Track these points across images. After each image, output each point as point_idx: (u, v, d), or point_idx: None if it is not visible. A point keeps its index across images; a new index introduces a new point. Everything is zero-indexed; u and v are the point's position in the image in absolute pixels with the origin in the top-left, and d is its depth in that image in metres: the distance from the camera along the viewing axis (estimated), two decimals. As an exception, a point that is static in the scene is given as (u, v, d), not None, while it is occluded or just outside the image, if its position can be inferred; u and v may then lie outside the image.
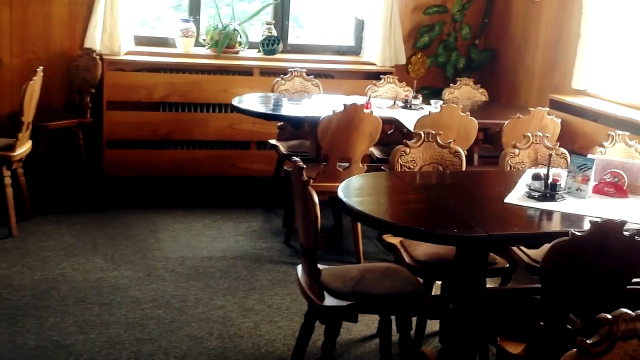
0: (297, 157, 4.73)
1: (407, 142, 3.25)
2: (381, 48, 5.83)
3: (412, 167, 3.25)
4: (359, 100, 4.73)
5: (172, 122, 5.44)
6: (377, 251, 4.39)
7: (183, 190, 5.36)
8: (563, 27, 5.21)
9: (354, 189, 2.82)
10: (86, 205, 4.88)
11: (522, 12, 5.72)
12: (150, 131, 5.40)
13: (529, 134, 3.37)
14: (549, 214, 2.64)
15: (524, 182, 2.95)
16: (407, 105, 4.60)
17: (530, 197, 2.77)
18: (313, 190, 2.50)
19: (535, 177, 2.79)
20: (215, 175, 5.59)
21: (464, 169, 3.29)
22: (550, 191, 2.75)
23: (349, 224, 4.33)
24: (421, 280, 2.88)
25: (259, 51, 5.84)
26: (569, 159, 3.37)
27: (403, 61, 5.88)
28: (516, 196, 2.79)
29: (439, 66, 5.95)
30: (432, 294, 3.14)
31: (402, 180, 3.03)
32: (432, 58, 5.95)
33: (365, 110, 3.96)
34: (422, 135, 3.26)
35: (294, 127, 4.52)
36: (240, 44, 5.77)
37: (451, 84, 5.33)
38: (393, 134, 5.00)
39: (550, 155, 2.82)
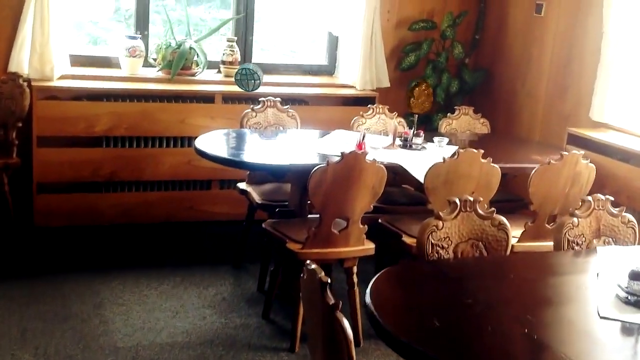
0: (274, 206, 3.98)
1: (440, 213, 2.47)
2: (361, 69, 5.06)
3: (447, 245, 2.48)
4: (347, 136, 3.96)
5: (117, 160, 4.52)
6: (377, 324, 3.61)
7: (132, 242, 4.46)
8: (575, 47, 4.53)
9: (390, 299, 2.02)
10: (13, 268, 3.94)
11: (520, 28, 5.04)
12: (90, 171, 4.47)
13: (589, 198, 2.64)
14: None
15: (606, 275, 2.21)
16: (406, 144, 3.83)
17: (628, 303, 2.03)
18: (344, 318, 1.69)
19: (635, 275, 2.05)
20: (171, 221, 4.71)
21: (510, 245, 2.54)
22: (655, 295, 2.02)
23: (343, 292, 3.53)
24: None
25: (219, 71, 5.00)
26: (637, 228, 2.67)
27: (386, 84, 5.12)
28: (608, 302, 2.04)
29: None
30: None
31: (444, 275, 2.25)
32: (417, 81, 5.19)
33: (367, 159, 3.16)
34: (458, 203, 2.49)
35: (275, 177, 3.69)
36: (197, 64, 4.90)
37: (449, 114, 4.59)
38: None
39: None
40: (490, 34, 5.32)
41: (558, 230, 2.59)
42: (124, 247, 4.38)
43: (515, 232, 3.58)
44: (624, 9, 4.03)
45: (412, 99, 3.81)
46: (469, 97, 5.30)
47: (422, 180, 3.35)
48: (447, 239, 2.48)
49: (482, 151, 3.32)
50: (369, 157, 3.16)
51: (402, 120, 4.39)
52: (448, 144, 3.90)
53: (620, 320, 1.94)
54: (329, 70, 5.42)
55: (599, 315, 1.96)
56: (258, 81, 4.58)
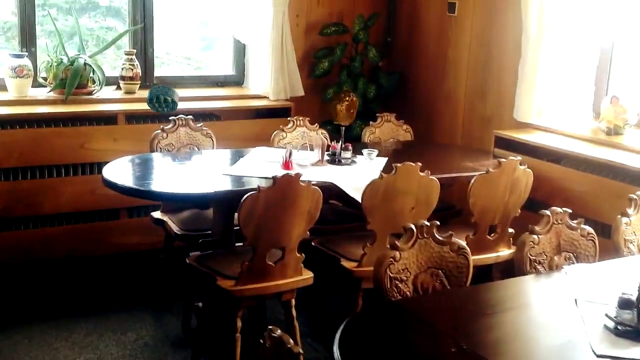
0: (196, 237, 3.62)
1: (396, 242, 2.23)
2: (273, 78, 4.76)
3: (405, 277, 2.24)
4: (270, 153, 3.66)
5: (8, 194, 4.01)
6: (319, 357, 3.34)
7: (33, 285, 3.97)
8: (493, 46, 4.43)
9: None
10: None
11: (433, 29, 4.89)
12: (-22, 209, 3.95)
13: (547, 212, 2.47)
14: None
15: (585, 301, 2.03)
16: (335, 159, 3.57)
17: (618, 334, 1.85)
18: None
19: (624, 304, 1.88)
20: (76, 255, 4.24)
21: (471, 271, 2.33)
22: (646, 324, 1.85)
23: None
24: None
25: (118, 88, 4.58)
26: (596, 240, 2.52)
27: (300, 93, 4.86)
28: (598, 335, 1.86)
29: (344, 97, 4.96)
30: None
31: (416, 318, 2.00)
32: (335, 87, 4.96)
33: (301, 182, 2.87)
34: (414, 230, 2.25)
35: (198, 207, 3.33)
36: (93, 81, 4.45)
37: (371, 122, 4.37)
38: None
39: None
40: (402, 36, 5.16)
41: (519, 249, 2.40)
42: (23, 292, 3.89)
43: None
44: (543, 5, 3.93)
45: (336, 107, 3.53)
46: (386, 102, 5.11)
47: (359, 200, 3.10)
48: (406, 270, 2.24)
49: (420, 164, 3.10)
50: (302, 179, 2.88)
51: (324, 132, 4.13)
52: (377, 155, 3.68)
53: (619, 358, 1.75)
54: (237, 80, 5.10)
55: (594, 353, 1.77)
56: (172, 101, 4.17)
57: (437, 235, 2.28)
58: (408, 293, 2.23)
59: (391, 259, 2.20)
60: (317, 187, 2.93)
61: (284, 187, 2.83)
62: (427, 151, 4.17)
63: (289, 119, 4.14)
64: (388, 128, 4.37)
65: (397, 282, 2.22)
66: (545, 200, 3.67)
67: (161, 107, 4.08)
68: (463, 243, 2.32)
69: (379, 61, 5.04)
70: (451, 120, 4.77)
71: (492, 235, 3.40)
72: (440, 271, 2.29)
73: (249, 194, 2.78)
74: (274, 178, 2.80)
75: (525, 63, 4.03)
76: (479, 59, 4.53)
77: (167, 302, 3.82)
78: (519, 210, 3.42)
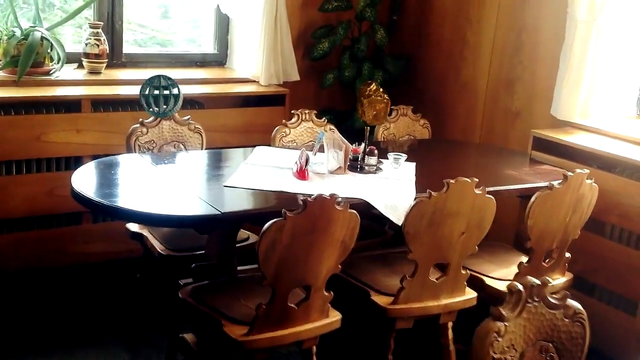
0: (184, 257, 2.94)
1: (502, 311, 1.62)
2: (265, 59, 4.09)
3: (511, 357, 1.64)
4: (277, 156, 3.01)
5: (-53, 196, 3.28)
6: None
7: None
8: (526, 31, 3.83)
9: None
10: None
11: (451, 7, 4.26)
12: None
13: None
14: None
15: None
16: (357, 165, 2.93)
17: None
18: None
19: None
20: (31, 267, 3.53)
21: (587, 343, 1.74)
22: None
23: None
24: None
25: (79, 66, 3.84)
26: None
27: (295, 77, 4.20)
28: None
29: (346, 82, 4.32)
30: None
31: None
32: (334, 72, 4.31)
33: (337, 206, 2.23)
34: (523, 294, 1.64)
35: (199, 233, 2.63)
36: (52, 59, 3.70)
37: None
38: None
39: None
40: (411, 14, 4.52)
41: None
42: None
43: (501, 272, 2.88)
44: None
45: (361, 104, 2.89)
46: (391, 91, 4.47)
47: (399, 223, 2.48)
48: (512, 347, 1.63)
49: (477, 180, 2.49)
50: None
51: (333, 127, 3.48)
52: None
53: None
54: (219, 60, 4.40)
55: None
56: (177, 96, 3.25)
57: (549, 297, 1.68)
58: (513, 377, 1.64)
59: (495, 335, 1.60)
60: (354, 211, 2.29)
61: (317, 212, 2.18)
62: (454, 153, 3.57)
63: (292, 112, 3.47)
64: (404, 123, 3.75)
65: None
66: (598, 217, 3.13)
67: (156, 105, 3.19)
68: (579, 305, 1.72)
69: (386, 43, 4.39)
70: (468, 114, 4.17)
71: (547, 261, 2.84)
72: (550, 344, 1.70)
73: (272, 221, 2.13)
74: (305, 201, 2.15)
75: (569, 51, 3.44)
76: (507, 44, 3.93)
77: (144, 331, 3.14)
78: (579, 232, 2.86)
